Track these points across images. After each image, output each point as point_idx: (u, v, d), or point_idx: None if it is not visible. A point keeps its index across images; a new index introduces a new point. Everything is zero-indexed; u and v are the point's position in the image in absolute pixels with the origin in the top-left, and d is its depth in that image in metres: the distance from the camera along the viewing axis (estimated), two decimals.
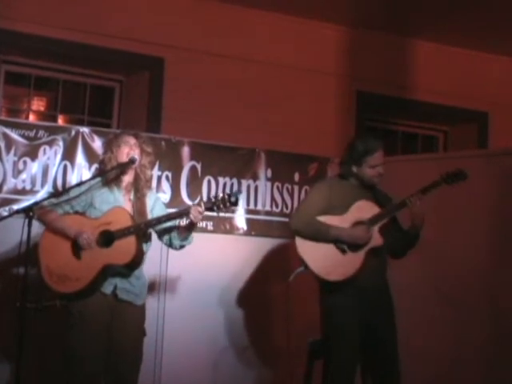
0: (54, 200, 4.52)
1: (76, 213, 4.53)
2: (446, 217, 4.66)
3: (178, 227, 4.63)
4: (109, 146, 4.60)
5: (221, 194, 4.37)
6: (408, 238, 4.66)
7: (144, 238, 4.53)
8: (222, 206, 4.35)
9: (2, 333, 5.09)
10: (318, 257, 4.60)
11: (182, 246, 4.68)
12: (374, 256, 4.56)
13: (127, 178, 4.57)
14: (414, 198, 4.50)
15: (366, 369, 4.72)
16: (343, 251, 4.58)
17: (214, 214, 4.56)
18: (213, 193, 5.87)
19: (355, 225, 4.57)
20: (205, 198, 5.73)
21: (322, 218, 4.61)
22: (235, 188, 5.98)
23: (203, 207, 4.37)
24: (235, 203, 4.41)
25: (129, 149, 4.51)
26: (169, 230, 4.63)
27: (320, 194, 4.77)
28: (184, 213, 4.45)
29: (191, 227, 4.53)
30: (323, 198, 4.68)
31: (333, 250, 4.58)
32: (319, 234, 4.60)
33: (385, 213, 4.56)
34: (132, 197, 4.57)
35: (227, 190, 5.90)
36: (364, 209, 4.58)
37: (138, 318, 4.53)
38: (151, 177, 4.83)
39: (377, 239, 4.54)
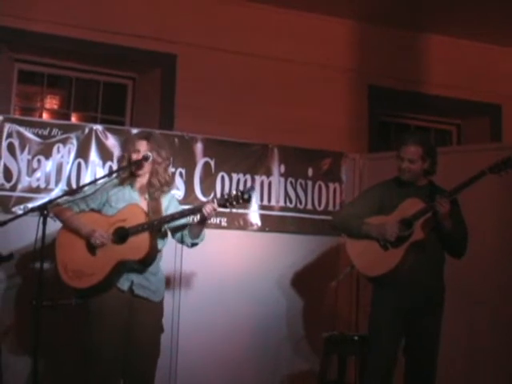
0: (69, 197, 4.55)
1: (92, 210, 4.57)
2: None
3: (190, 225, 4.66)
4: (125, 146, 4.71)
5: (234, 191, 4.40)
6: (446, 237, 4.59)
7: (159, 234, 4.56)
8: (235, 203, 4.38)
9: (18, 331, 5.13)
10: (361, 254, 4.67)
11: (194, 244, 4.70)
12: (417, 252, 4.52)
13: (141, 180, 4.60)
14: (443, 200, 4.43)
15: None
16: (385, 248, 4.59)
17: (227, 209, 4.66)
18: (226, 189, 5.89)
19: (400, 222, 4.56)
20: (218, 195, 5.75)
21: (370, 219, 4.65)
22: (249, 184, 5.99)
23: (216, 204, 4.40)
24: (248, 200, 4.43)
25: (136, 156, 4.53)
26: (181, 228, 4.65)
27: (368, 195, 4.87)
28: (198, 209, 4.49)
29: (203, 223, 4.56)
30: (371, 199, 4.74)
31: (376, 246, 4.61)
32: (353, 230, 4.69)
33: (423, 209, 4.51)
34: (147, 196, 4.60)
35: (241, 187, 5.91)
36: (410, 206, 4.57)
37: (156, 315, 4.55)
38: (168, 180, 4.68)
39: (417, 234, 4.51)
